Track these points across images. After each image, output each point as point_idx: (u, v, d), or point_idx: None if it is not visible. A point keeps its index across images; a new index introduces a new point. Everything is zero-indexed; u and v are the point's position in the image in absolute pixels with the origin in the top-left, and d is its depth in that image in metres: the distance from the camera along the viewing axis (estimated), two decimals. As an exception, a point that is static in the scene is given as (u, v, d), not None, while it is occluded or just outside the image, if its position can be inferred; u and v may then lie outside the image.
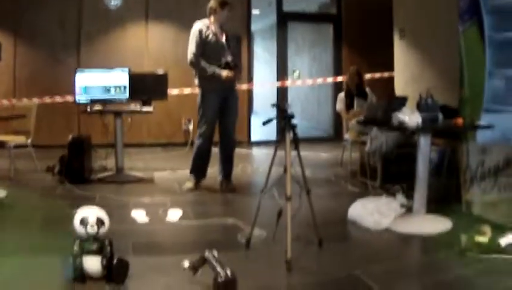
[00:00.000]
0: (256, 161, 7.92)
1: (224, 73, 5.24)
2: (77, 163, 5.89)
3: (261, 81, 11.00)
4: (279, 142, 3.51)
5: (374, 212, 4.16)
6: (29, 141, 6.37)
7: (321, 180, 5.91)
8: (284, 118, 3.40)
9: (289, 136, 3.38)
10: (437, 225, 4.08)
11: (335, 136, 9.87)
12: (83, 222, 2.99)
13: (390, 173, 5.38)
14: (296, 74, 11.37)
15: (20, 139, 6.34)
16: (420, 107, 4.07)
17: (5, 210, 4.68)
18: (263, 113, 11.97)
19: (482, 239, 3.56)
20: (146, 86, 6.32)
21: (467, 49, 4.30)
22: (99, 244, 2.99)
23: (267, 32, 12.34)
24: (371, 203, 4.31)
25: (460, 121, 4.07)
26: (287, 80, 9.93)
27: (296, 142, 3.46)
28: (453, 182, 4.70)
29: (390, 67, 7.66)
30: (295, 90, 12.06)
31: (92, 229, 2.97)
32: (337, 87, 9.37)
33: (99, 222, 3.01)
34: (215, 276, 2.64)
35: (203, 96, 5.39)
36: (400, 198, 4.43)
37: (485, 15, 4.04)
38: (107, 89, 6.15)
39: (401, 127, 3.95)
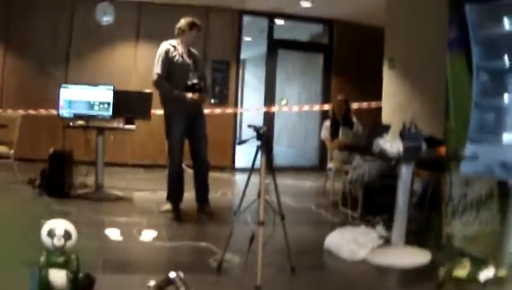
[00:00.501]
0: (238, 187, 7.83)
1: (189, 95, 5.09)
2: (57, 177, 5.85)
3: (247, 107, 10.99)
4: (254, 165, 3.44)
5: (351, 242, 4.07)
6: (11, 151, 6.33)
7: (301, 209, 5.83)
8: (259, 139, 3.33)
9: (263, 158, 3.30)
10: (416, 257, 4.00)
11: (320, 166, 9.81)
12: (50, 233, 2.91)
13: (372, 203, 5.31)
14: (284, 102, 11.38)
15: (2, 150, 6.29)
16: (403, 135, 4.01)
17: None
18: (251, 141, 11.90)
19: (461, 273, 3.47)
20: (130, 104, 6.27)
21: (454, 78, 4.27)
22: (65, 257, 2.91)
23: (259, 60, 12.38)
24: (348, 233, 4.24)
25: (443, 150, 4.02)
26: (273, 106, 9.93)
27: (271, 165, 3.37)
28: (436, 214, 4.63)
29: (378, 97, 7.69)
30: (283, 119, 12.06)
31: (58, 241, 2.89)
32: (325, 116, 9.36)
33: (67, 235, 2.92)
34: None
35: (167, 119, 5.25)
36: (380, 229, 4.37)
37: (474, 45, 4.02)
38: (91, 105, 6.12)
39: (382, 154, 3.89)
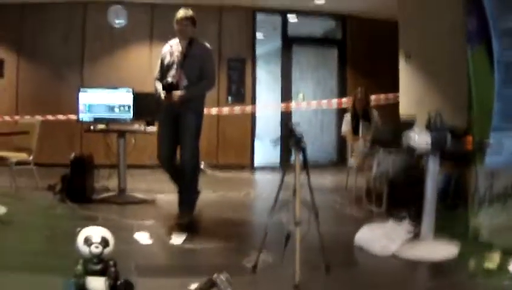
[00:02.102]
0: (260, 186, 7.90)
1: (162, 95, 5.01)
2: (79, 182, 5.88)
3: (261, 104, 11.05)
4: (286, 164, 3.46)
5: (382, 237, 4.11)
6: (31, 158, 6.37)
7: (325, 206, 5.78)
8: (293, 139, 3.35)
9: (299, 157, 3.33)
10: (444, 250, 4.01)
11: (339, 161, 9.86)
12: (87, 241, 2.89)
13: (397, 198, 5.31)
14: (301, 96, 11.37)
15: (22, 156, 6.34)
16: (429, 127, 4.04)
17: (5, 228, 4.61)
18: (266, 137, 12.05)
19: (491, 265, 3.55)
20: (150, 106, 6.30)
21: (475, 70, 4.30)
22: (103, 265, 2.90)
23: (271, 57, 12.44)
24: (378, 228, 4.28)
25: (469, 140, 4.04)
26: (291, 103, 9.96)
27: (306, 164, 3.40)
28: (460, 206, 4.65)
29: (393, 90, 7.73)
30: (299, 114, 12.10)
31: (96, 249, 2.87)
32: (341, 111, 9.41)
33: (104, 242, 2.92)
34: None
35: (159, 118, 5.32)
36: (407, 224, 4.37)
37: (494, 36, 4.06)
38: (111, 108, 6.18)
39: (411, 148, 3.91)
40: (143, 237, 4.44)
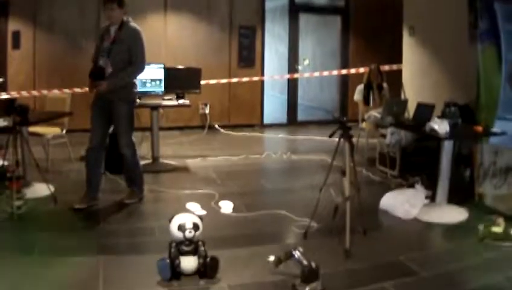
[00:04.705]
0: (274, 146, 8.44)
1: (88, 84, 4.96)
2: (116, 153, 6.16)
3: (272, 73, 11.58)
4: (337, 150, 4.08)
5: (404, 203, 4.81)
6: (64, 132, 6.60)
7: (339, 167, 6.43)
8: (342, 128, 3.96)
9: (346, 145, 3.95)
10: (456, 214, 4.75)
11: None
12: (181, 228, 3.42)
13: (409, 163, 6.02)
14: (306, 62, 11.88)
15: (56, 131, 6.54)
16: (445, 115, 4.72)
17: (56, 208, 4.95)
18: (271, 96, 12.50)
19: (497, 229, 4.21)
20: (181, 80, 6.86)
21: (484, 66, 4.93)
22: (194, 245, 3.41)
23: (274, 23, 12.79)
24: (400, 194, 4.98)
25: (480, 128, 4.73)
26: (296, 72, 10.58)
27: (352, 149, 4.02)
28: (467, 176, 5.34)
29: (395, 58, 8.28)
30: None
31: (190, 234, 3.41)
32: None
33: (195, 227, 3.46)
34: (302, 267, 3.24)
35: None
36: (419, 188, 5.05)
37: (504, 36, 4.68)
38: (143, 83, 6.59)
39: (433, 135, 4.60)
40: (195, 207, 4.83)
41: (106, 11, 4.84)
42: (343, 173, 3.94)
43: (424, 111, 4.99)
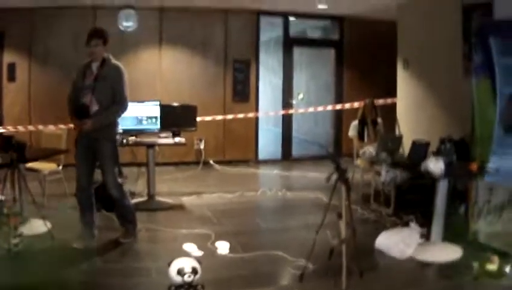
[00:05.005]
0: (270, 183, 8.42)
1: (73, 122, 4.95)
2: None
3: (267, 106, 11.68)
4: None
5: (399, 242, 4.82)
6: (60, 167, 6.63)
7: (336, 205, 6.39)
8: (338, 171, 3.98)
9: (343, 187, 3.97)
10: (451, 253, 4.75)
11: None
12: (180, 272, 3.46)
13: (403, 200, 6.05)
14: (301, 96, 11.98)
15: (53, 167, 6.58)
16: (440, 152, 4.76)
17: (51, 246, 4.94)
18: (266, 129, 12.58)
19: (492, 267, 4.23)
20: (176, 118, 6.89)
21: (479, 100, 4.97)
22: (193, 289, 3.46)
23: (268, 58, 12.93)
24: (395, 234, 5.00)
25: (474, 166, 4.76)
26: (291, 108, 10.66)
27: (348, 192, 4.04)
28: (462, 213, 5.36)
29: (389, 92, 8.37)
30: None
31: (189, 278, 3.45)
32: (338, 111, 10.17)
33: (194, 271, 3.49)
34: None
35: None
36: (414, 226, 5.06)
37: (498, 71, 4.73)
38: (139, 120, 6.64)
39: (428, 174, 4.63)
40: (192, 248, 4.82)
41: (90, 47, 4.85)
42: (340, 216, 3.95)
43: (419, 149, 5.04)
